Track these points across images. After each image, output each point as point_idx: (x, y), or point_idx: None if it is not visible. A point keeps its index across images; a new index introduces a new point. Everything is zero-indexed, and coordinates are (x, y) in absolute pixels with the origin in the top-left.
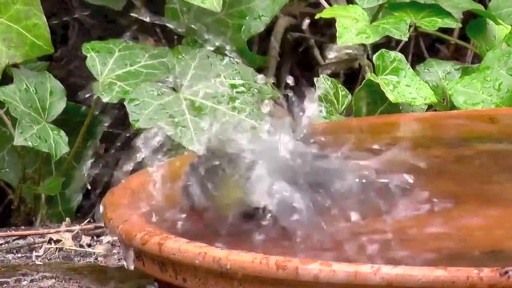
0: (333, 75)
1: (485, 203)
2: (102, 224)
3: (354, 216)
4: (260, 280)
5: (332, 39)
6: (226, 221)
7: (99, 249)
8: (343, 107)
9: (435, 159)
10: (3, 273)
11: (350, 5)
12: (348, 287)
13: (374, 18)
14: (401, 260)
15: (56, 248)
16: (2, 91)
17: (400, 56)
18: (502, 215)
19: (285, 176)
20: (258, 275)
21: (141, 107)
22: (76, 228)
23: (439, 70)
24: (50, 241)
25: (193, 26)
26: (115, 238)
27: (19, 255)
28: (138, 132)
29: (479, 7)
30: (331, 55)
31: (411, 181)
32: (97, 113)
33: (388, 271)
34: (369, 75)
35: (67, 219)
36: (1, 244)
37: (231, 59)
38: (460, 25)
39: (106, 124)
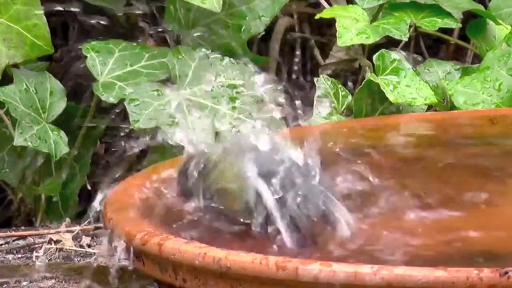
0: (333, 75)
1: (483, 203)
2: (102, 225)
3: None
4: (260, 281)
5: (332, 39)
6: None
7: (99, 249)
8: (343, 107)
9: (434, 159)
10: (3, 274)
11: (350, 5)
12: (348, 287)
13: (374, 18)
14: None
15: (56, 248)
16: (2, 91)
17: (400, 56)
18: (502, 216)
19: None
20: (258, 275)
21: (141, 107)
22: (76, 228)
23: (439, 70)
24: (50, 241)
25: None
26: (115, 238)
27: (19, 255)
28: (138, 132)
29: (479, 7)
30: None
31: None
32: (97, 113)
33: (388, 272)
34: (369, 75)
35: (67, 219)
36: (1, 245)
37: (231, 59)
38: (460, 25)
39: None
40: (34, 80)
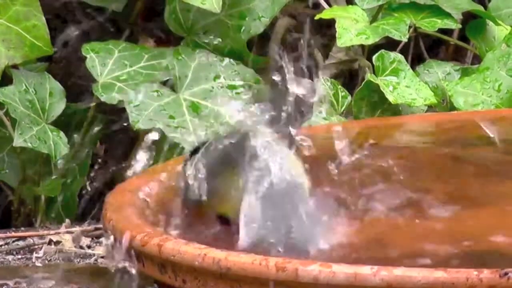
0: (333, 76)
1: (484, 204)
2: (102, 225)
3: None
4: (260, 282)
5: (332, 39)
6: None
7: (99, 250)
8: (343, 108)
9: (435, 159)
10: (3, 275)
11: (350, 6)
12: None
13: (373, 19)
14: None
15: (56, 249)
16: (2, 92)
17: (400, 57)
18: (502, 216)
19: None
20: (258, 276)
21: (141, 108)
22: (76, 229)
23: (439, 71)
24: (50, 242)
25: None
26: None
27: (19, 256)
28: (137, 133)
29: (479, 8)
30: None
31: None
32: (96, 114)
33: (388, 273)
34: (368, 76)
35: (67, 220)
36: (1, 246)
37: (231, 60)
38: (459, 26)
39: (106, 125)
40: (34, 81)
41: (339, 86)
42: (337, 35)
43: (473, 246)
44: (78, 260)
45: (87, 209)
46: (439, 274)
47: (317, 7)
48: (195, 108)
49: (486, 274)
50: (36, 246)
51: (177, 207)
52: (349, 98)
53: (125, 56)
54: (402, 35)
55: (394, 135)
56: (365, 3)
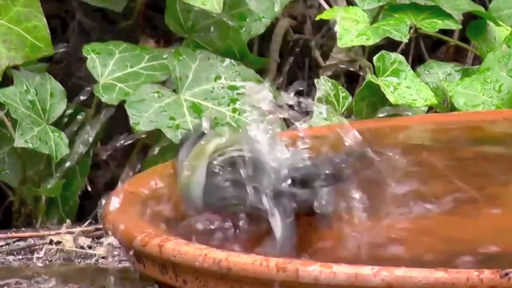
0: (334, 76)
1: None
2: (102, 226)
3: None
4: (260, 282)
5: (333, 40)
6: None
7: (100, 250)
8: (344, 108)
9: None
10: (4, 275)
11: (351, 7)
12: None
13: (374, 20)
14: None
15: (57, 249)
16: (3, 93)
17: (400, 57)
18: (502, 217)
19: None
20: (259, 276)
21: (141, 109)
22: (77, 229)
23: (440, 71)
24: (50, 242)
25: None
26: (116, 239)
27: (20, 256)
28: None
29: (480, 8)
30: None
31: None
32: (97, 114)
33: (389, 273)
34: (369, 77)
35: (68, 220)
36: (1, 246)
37: (232, 60)
38: (460, 26)
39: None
40: (34, 81)
41: (340, 87)
42: (337, 35)
43: (473, 247)
44: (79, 260)
45: (88, 209)
46: (440, 275)
47: (317, 7)
48: (196, 109)
49: (487, 274)
50: (37, 247)
51: (177, 207)
52: (350, 98)
53: (126, 57)
54: (402, 35)
55: (394, 135)
56: (366, 4)
